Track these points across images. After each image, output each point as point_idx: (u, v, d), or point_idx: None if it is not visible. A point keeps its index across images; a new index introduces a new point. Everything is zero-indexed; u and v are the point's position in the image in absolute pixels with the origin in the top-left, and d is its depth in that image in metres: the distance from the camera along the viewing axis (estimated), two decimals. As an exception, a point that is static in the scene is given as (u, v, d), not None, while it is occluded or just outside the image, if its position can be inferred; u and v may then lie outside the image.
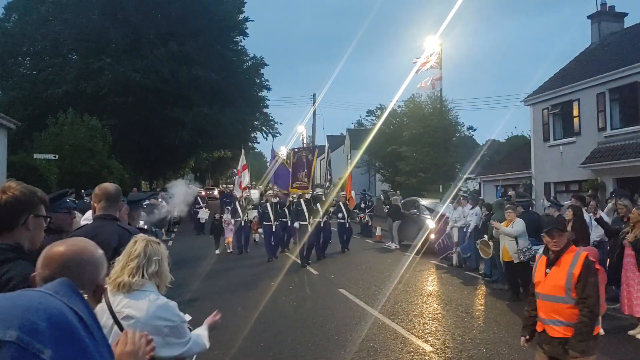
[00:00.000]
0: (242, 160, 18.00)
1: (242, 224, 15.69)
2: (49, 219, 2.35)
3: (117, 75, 32.22)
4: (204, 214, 19.75)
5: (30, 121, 30.20)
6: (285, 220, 15.10)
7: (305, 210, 14.21)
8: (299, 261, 13.66)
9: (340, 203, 16.64)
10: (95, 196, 3.41)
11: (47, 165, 21.01)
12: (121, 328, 2.31)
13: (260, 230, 16.32)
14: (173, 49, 34.57)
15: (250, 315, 8.09)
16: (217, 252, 15.54)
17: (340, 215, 16.36)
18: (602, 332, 6.97)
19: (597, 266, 7.33)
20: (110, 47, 33.90)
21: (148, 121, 34.39)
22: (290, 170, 17.24)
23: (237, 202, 16.27)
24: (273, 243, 14.67)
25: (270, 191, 16.47)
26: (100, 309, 2.31)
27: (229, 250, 15.61)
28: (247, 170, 17.60)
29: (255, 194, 21.41)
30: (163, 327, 2.43)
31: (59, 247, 1.50)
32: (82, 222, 4.93)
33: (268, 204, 14.92)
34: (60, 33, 33.90)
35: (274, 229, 14.61)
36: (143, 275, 2.45)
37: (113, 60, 32.73)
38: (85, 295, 1.48)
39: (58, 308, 1.01)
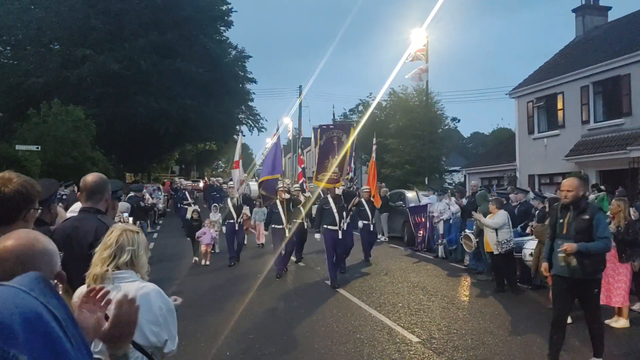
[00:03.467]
0: (238, 152, 14.14)
1: (237, 227, 12.55)
2: (39, 210, 2.31)
3: (98, 65, 31.77)
4: (190, 213, 15.85)
5: (12, 111, 29.71)
6: (300, 222, 11.92)
7: (335, 210, 10.43)
8: (303, 267, 12.24)
9: (363, 200, 13.01)
10: (80, 188, 3.35)
11: (30, 156, 20.71)
12: None
13: (263, 231, 13.82)
14: (153, 39, 34.12)
15: (236, 307, 8.06)
16: (196, 258, 12.84)
17: (363, 215, 13.01)
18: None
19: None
20: (92, 37, 33.36)
21: (132, 112, 33.98)
22: (317, 156, 12.42)
23: (229, 200, 12.92)
24: (284, 252, 11.29)
25: (280, 185, 12.42)
26: None
27: (205, 263, 12.34)
28: (239, 168, 13.72)
29: (254, 187, 18.91)
30: (158, 314, 2.34)
31: (7, 243, 1.39)
32: (69, 215, 4.87)
33: (278, 202, 11.59)
34: (42, 22, 33.28)
35: (287, 234, 11.29)
36: (117, 266, 2.35)
37: (95, 50, 32.26)
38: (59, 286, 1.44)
39: (34, 309, 0.97)
